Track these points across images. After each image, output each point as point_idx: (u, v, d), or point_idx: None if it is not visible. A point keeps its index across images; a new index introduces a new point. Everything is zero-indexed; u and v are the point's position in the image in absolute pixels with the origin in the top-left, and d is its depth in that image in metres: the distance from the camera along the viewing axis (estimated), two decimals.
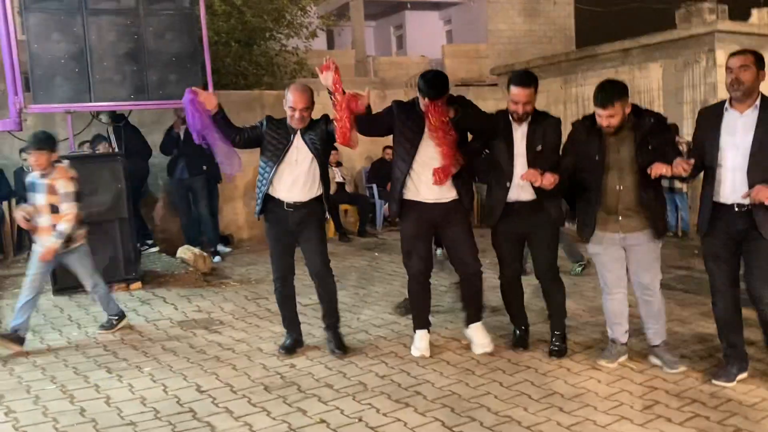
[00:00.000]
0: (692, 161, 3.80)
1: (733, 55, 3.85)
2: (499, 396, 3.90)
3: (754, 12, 10.73)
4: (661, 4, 18.18)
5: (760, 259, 3.82)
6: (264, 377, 4.26)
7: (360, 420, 3.61)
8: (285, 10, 14.12)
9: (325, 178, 4.61)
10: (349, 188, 10.50)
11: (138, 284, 6.62)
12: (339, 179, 10.24)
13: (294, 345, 4.72)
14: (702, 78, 9.61)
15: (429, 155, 4.35)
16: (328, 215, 4.77)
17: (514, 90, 4.29)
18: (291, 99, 4.41)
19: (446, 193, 4.43)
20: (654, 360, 4.30)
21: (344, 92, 4.23)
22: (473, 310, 4.69)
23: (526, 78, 4.33)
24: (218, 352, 4.77)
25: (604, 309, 4.40)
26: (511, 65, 13.42)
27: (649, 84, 10.36)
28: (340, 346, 4.69)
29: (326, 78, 4.24)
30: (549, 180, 4.03)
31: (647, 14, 20.88)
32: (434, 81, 4.24)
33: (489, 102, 10.95)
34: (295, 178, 4.48)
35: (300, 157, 4.47)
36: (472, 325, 4.69)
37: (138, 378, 4.30)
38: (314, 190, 4.54)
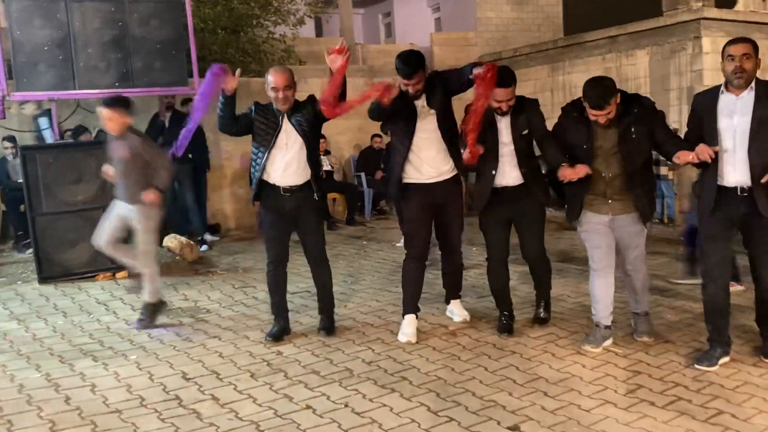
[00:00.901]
0: (717, 147, 3.81)
1: (733, 42, 3.86)
2: (484, 381, 3.92)
3: None
4: None
5: (762, 238, 3.87)
6: (250, 364, 4.26)
7: (346, 405, 3.62)
8: None
9: (313, 161, 4.59)
10: (337, 177, 10.49)
11: (124, 273, 6.57)
12: (327, 167, 10.22)
13: (281, 332, 4.72)
14: (689, 65, 9.63)
15: (424, 137, 4.47)
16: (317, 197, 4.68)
17: (497, 91, 4.32)
18: (272, 80, 4.42)
19: (446, 171, 4.57)
20: (632, 324, 4.60)
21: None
22: (456, 288, 5.10)
23: (507, 78, 4.36)
24: (204, 340, 4.76)
25: (591, 288, 4.42)
26: (499, 53, 13.44)
27: (636, 71, 10.38)
28: (329, 329, 4.75)
29: (335, 60, 4.21)
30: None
31: (634, 2, 20.86)
32: (408, 59, 4.35)
33: None
34: (288, 162, 4.49)
35: (290, 140, 4.47)
36: (454, 300, 5.09)
37: (124, 366, 4.29)
38: (308, 173, 4.55)
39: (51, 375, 4.15)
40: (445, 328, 4.85)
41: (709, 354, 4.06)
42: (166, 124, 8.33)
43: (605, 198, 4.19)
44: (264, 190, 4.57)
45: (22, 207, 8.36)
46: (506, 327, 4.72)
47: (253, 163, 4.58)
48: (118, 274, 6.56)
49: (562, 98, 11.15)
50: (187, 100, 8.52)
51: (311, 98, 4.56)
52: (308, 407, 3.61)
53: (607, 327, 4.40)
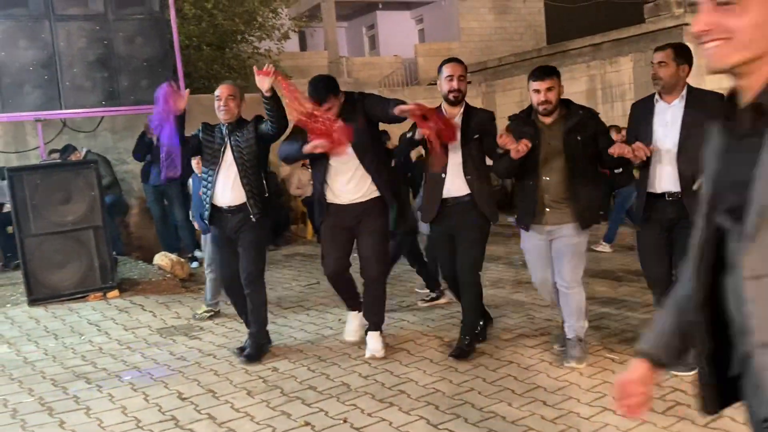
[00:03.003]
0: (653, 147, 3.86)
1: (656, 50, 3.95)
2: (482, 392, 3.90)
3: None
4: None
5: (687, 242, 3.87)
6: (246, 382, 4.23)
7: (345, 421, 3.60)
8: (256, 13, 14.06)
9: (250, 181, 4.53)
10: None
11: (115, 292, 6.52)
12: None
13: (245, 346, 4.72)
14: None
15: (340, 160, 4.41)
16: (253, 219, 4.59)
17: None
18: (217, 91, 4.52)
19: (364, 194, 4.49)
20: (561, 348, 4.39)
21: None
22: (376, 318, 4.65)
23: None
24: (199, 358, 4.72)
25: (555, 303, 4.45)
26: (484, 62, 13.50)
27: (621, 78, 10.47)
28: (250, 357, 4.60)
29: (262, 81, 4.20)
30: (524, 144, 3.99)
31: (616, 9, 21.07)
32: (317, 85, 4.32)
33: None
34: (229, 181, 4.52)
35: (230, 159, 4.52)
36: (371, 333, 4.63)
37: (118, 387, 4.24)
38: (243, 194, 4.53)
39: (44, 399, 4.09)
40: (441, 340, 4.83)
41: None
42: (154, 142, 8.29)
43: (543, 206, 4.16)
44: (212, 211, 4.61)
45: (9, 228, 8.33)
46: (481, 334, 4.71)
47: (205, 185, 4.62)
48: (109, 294, 6.50)
49: None
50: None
51: (256, 118, 4.58)
52: (307, 424, 3.58)
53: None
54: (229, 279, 4.74)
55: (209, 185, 4.57)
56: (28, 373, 4.60)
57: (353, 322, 4.83)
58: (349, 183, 4.48)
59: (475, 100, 12.40)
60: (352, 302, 4.83)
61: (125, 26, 7.15)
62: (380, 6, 23.63)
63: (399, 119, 4.26)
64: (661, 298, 4.00)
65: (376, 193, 4.49)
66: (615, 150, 3.92)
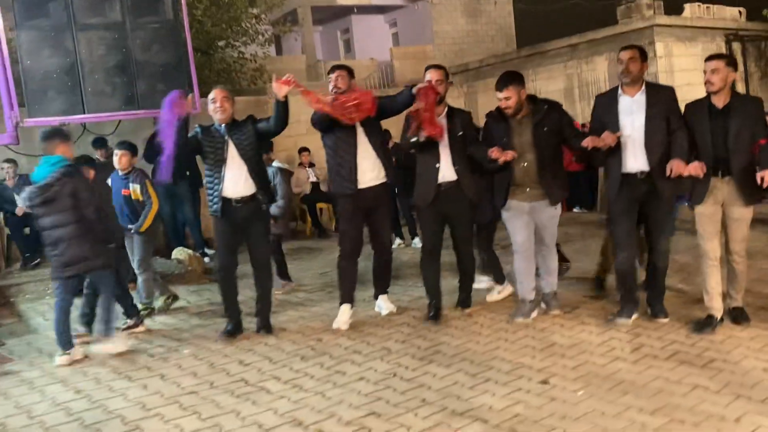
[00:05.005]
0: (620, 133, 4.58)
1: (623, 49, 4.74)
2: (508, 349, 4.47)
3: (687, 6, 11.67)
4: (599, 0, 19.17)
5: (657, 215, 4.74)
6: (296, 350, 4.75)
7: (395, 375, 4.13)
8: (241, 19, 14.49)
9: (257, 174, 5.07)
10: (323, 187, 10.96)
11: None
12: (313, 179, 10.71)
13: (234, 330, 5.17)
14: None
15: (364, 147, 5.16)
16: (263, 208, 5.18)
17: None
18: (212, 94, 5.06)
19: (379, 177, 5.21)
20: (543, 305, 5.19)
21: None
22: (384, 283, 5.56)
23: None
24: (244, 335, 5.20)
25: (514, 267, 5.19)
26: (466, 64, 14.08)
27: (597, 76, 11.17)
28: (268, 328, 5.20)
29: (279, 89, 4.79)
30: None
31: (582, 12, 21.94)
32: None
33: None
34: (236, 175, 5.00)
35: (234, 156, 5.00)
36: (382, 296, 5.53)
37: (182, 358, 4.71)
38: (253, 186, 5.05)
39: (120, 367, 4.56)
40: (461, 311, 5.38)
41: (624, 311, 4.86)
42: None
43: (524, 186, 4.94)
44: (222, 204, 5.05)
45: (26, 230, 8.69)
46: (435, 316, 5.25)
47: (211, 180, 5.07)
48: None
49: None
50: None
51: (251, 118, 5.14)
52: (361, 378, 4.10)
53: (531, 301, 5.12)
54: (229, 268, 5.19)
55: (217, 181, 5.01)
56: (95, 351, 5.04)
57: (346, 313, 5.28)
58: (373, 170, 5.17)
59: (457, 100, 12.99)
60: (348, 295, 5.33)
61: (142, 34, 7.53)
62: (355, 10, 24.17)
63: (404, 108, 5.07)
64: (625, 259, 4.77)
65: (385, 179, 5.24)
66: (588, 143, 4.63)
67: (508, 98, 4.81)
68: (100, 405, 3.95)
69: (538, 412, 3.49)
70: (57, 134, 5.03)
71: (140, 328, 5.50)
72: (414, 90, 4.94)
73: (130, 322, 5.51)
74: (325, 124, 5.13)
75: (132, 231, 6.02)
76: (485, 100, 12.83)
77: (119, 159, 6.13)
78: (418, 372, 4.16)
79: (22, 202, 8.48)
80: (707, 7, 11.61)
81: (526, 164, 4.90)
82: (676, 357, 4.15)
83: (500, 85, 4.84)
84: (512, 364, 4.20)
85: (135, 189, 6.09)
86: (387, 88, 19.14)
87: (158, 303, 6.16)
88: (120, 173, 6.18)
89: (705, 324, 4.56)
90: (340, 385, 4.03)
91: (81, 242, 4.76)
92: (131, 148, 6.23)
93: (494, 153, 4.76)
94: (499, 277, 5.84)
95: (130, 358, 4.80)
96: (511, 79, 4.85)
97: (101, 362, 4.76)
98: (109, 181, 6.28)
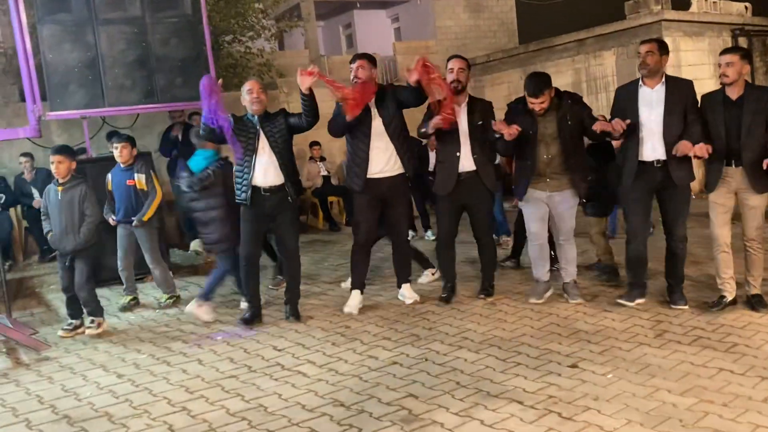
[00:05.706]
0: (628, 121, 4.75)
1: (642, 42, 4.92)
2: (534, 336, 4.60)
3: (694, 1, 11.79)
4: None
5: (674, 202, 4.90)
6: (326, 336, 4.87)
7: (426, 360, 4.26)
8: (248, 14, 14.57)
9: (286, 166, 5.17)
10: (334, 181, 11.08)
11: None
12: (324, 173, 10.83)
13: (252, 318, 5.29)
14: None
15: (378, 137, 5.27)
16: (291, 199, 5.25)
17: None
18: (248, 86, 5.16)
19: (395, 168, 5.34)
20: (564, 295, 5.37)
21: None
22: (406, 273, 5.70)
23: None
24: (271, 322, 5.32)
25: (530, 253, 5.45)
26: (473, 59, 14.14)
27: (604, 71, 11.29)
28: (297, 316, 5.34)
29: (304, 81, 4.88)
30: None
31: (584, 7, 22.01)
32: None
33: None
34: (267, 165, 5.11)
35: (266, 147, 5.11)
36: (405, 285, 5.67)
37: (216, 344, 4.83)
38: (282, 177, 5.16)
39: (156, 354, 4.70)
40: (484, 299, 5.51)
41: (629, 294, 5.08)
42: (179, 138, 8.81)
43: (545, 177, 5.12)
44: (251, 192, 5.15)
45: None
46: (447, 298, 5.50)
47: (241, 169, 5.16)
48: None
49: None
50: (194, 114, 9.03)
51: (283, 111, 5.27)
52: (394, 363, 4.23)
53: (546, 282, 5.37)
54: (253, 256, 5.29)
55: (247, 170, 5.12)
56: (127, 338, 5.16)
57: (356, 298, 5.47)
58: (389, 161, 5.30)
59: None
60: (360, 282, 5.51)
61: (161, 29, 7.64)
62: (357, 5, 24.23)
63: (421, 100, 5.17)
64: (637, 247, 4.96)
65: (402, 170, 5.35)
66: (598, 126, 4.86)
67: (542, 102, 4.96)
68: (144, 388, 4.07)
69: (570, 393, 3.62)
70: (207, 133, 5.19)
71: (97, 330, 5.34)
72: (430, 130, 5.20)
73: (76, 322, 5.42)
74: (340, 131, 5.34)
75: (133, 224, 6.07)
76: (492, 94, 12.94)
77: (120, 151, 6.16)
78: (450, 357, 4.29)
79: (38, 195, 8.60)
80: (714, 2, 11.73)
81: (549, 156, 5.05)
82: (699, 342, 4.28)
83: (536, 92, 4.96)
84: (539, 350, 4.32)
85: (140, 179, 6.15)
86: (390, 83, 19.27)
87: (123, 301, 6.16)
88: (121, 166, 6.21)
89: (716, 304, 4.85)
90: (375, 369, 4.15)
91: (226, 223, 5.40)
92: (130, 140, 6.27)
93: (497, 126, 4.93)
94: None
95: (164, 345, 4.92)
96: (544, 84, 4.99)
97: (137, 349, 4.88)
98: (108, 176, 6.32)
